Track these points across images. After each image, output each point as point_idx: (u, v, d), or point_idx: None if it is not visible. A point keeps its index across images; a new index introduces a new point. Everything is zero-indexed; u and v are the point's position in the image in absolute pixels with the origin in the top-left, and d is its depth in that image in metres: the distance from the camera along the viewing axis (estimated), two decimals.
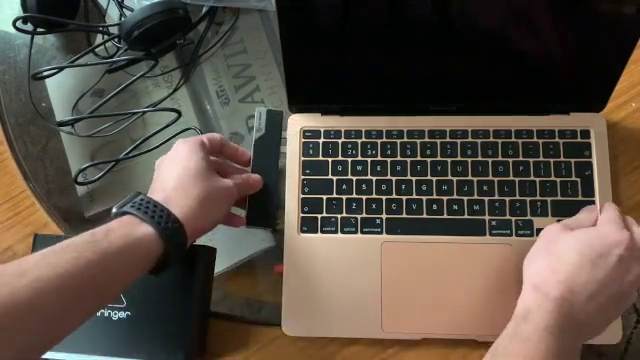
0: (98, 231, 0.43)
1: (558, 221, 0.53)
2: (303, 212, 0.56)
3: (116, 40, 0.60)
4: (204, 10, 0.63)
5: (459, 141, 0.56)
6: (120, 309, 0.51)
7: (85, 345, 0.51)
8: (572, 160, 0.55)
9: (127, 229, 0.43)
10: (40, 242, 0.54)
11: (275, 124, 0.57)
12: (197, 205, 0.47)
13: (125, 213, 0.45)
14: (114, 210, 0.46)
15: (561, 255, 0.45)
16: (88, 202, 0.61)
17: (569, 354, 0.42)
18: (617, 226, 0.46)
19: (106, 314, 0.51)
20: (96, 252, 0.41)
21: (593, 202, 0.54)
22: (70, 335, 0.50)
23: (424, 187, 0.55)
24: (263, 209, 0.56)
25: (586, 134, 0.56)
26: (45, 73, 0.60)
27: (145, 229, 0.44)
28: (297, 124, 0.58)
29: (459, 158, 0.56)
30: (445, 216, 0.55)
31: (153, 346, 0.50)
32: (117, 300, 0.51)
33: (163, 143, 0.60)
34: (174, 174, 0.48)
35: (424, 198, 0.55)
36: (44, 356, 0.50)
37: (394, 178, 0.56)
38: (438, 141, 0.56)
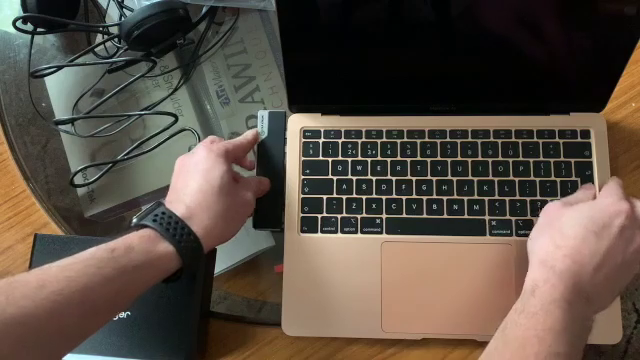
0: (119, 246, 0.42)
1: None
2: (303, 212, 0.56)
3: (116, 40, 0.60)
4: (204, 10, 0.63)
5: (459, 141, 0.56)
6: None
7: (85, 345, 0.50)
8: (572, 160, 0.55)
9: (147, 245, 0.43)
10: (40, 242, 0.54)
11: (278, 125, 0.58)
12: (219, 222, 0.47)
13: (145, 226, 0.45)
14: (134, 220, 0.46)
15: (564, 229, 0.45)
16: (88, 202, 0.61)
17: (578, 326, 0.42)
18: (617, 197, 0.47)
19: None
20: (116, 268, 0.41)
21: None
22: None
23: (424, 187, 0.55)
24: (270, 211, 0.56)
25: (586, 134, 0.56)
26: (45, 72, 0.60)
27: (165, 247, 0.44)
28: (297, 124, 0.58)
29: (459, 158, 0.56)
30: (445, 216, 0.55)
31: (153, 346, 0.50)
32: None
33: (162, 143, 0.60)
34: (196, 187, 0.47)
35: (424, 198, 0.55)
36: None
37: (394, 178, 0.56)
38: (438, 141, 0.56)
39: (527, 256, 0.53)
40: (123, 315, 0.51)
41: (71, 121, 0.60)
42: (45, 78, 0.63)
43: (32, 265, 0.54)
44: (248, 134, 0.56)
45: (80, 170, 0.60)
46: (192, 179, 0.48)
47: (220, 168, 0.48)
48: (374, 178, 0.56)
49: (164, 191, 0.59)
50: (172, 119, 0.59)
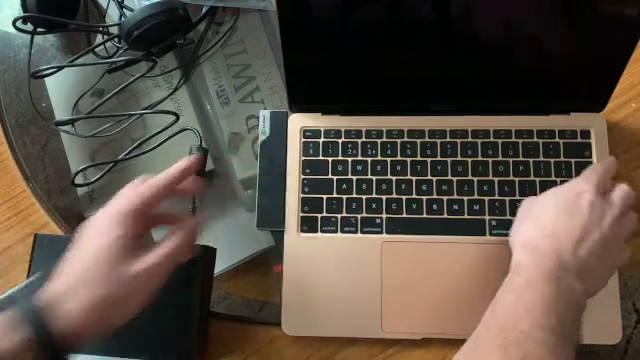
0: None
1: None
2: (303, 212, 0.56)
3: (116, 40, 0.60)
4: (204, 10, 0.63)
5: (459, 141, 0.56)
6: None
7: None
8: (572, 160, 0.55)
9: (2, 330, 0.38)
10: (40, 242, 0.54)
11: (279, 125, 0.58)
12: (97, 308, 0.40)
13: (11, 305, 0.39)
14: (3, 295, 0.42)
15: (540, 214, 0.47)
16: (88, 202, 0.61)
17: (569, 301, 0.42)
18: (580, 179, 0.48)
19: None
20: None
21: None
22: None
23: (424, 187, 0.55)
24: (272, 211, 0.56)
25: (586, 134, 0.56)
26: (45, 72, 0.60)
27: (21, 336, 0.37)
28: (297, 124, 0.58)
29: (459, 158, 0.56)
30: (445, 216, 0.55)
31: (153, 346, 0.50)
32: None
33: (162, 143, 0.60)
34: (80, 259, 0.41)
35: (424, 198, 0.55)
36: None
37: (394, 178, 0.56)
38: (438, 141, 0.56)
39: None
40: None
41: (71, 122, 0.60)
42: (45, 78, 0.63)
43: (32, 265, 0.54)
44: (182, 161, 0.48)
45: (81, 170, 0.60)
46: (82, 250, 0.42)
47: (111, 235, 0.41)
48: (374, 178, 0.56)
49: None
50: (173, 118, 0.59)
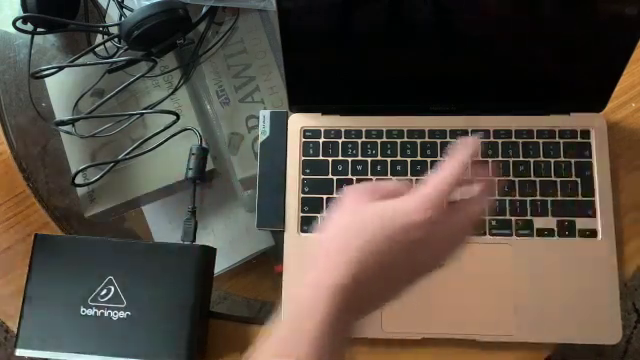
0: None
1: (558, 221, 0.54)
2: (303, 212, 0.56)
3: (116, 40, 0.60)
4: (204, 10, 0.63)
5: None
6: (120, 309, 0.51)
7: (85, 345, 0.51)
8: (572, 160, 0.55)
9: None
10: (40, 242, 0.54)
11: (279, 125, 0.58)
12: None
13: None
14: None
15: (360, 233, 0.38)
16: (88, 202, 0.61)
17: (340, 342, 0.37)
18: (425, 202, 0.38)
19: (106, 314, 0.51)
20: None
21: (593, 202, 0.54)
22: (70, 335, 0.51)
23: None
24: (272, 211, 0.56)
25: (586, 134, 0.56)
26: (45, 72, 0.60)
27: None
28: (297, 124, 0.58)
29: None
30: None
31: (153, 346, 0.50)
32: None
33: (162, 143, 0.60)
34: None
35: None
36: (45, 356, 0.51)
37: (394, 178, 0.56)
38: (438, 141, 0.56)
39: (527, 256, 0.53)
40: (123, 315, 0.51)
41: (72, 122, 0.60)
42: (45, 78, 0.63)
43: (32, 265, 0.54)
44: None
45: (81, 170, 0.60)
46: None
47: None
48: (374, 178, 0.56)
49: (164, 191, 0.60)
50: (173, 118, 0.59)
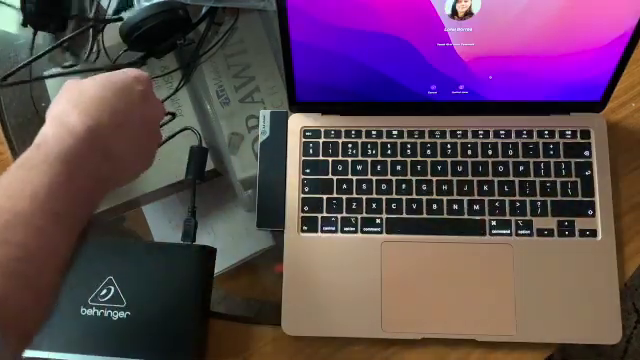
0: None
1: (558, 222, 0.54)
2: (303, 212, 0.56)
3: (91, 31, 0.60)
4: (204, 10, 0.63)
5: (459, 141, 0.56)
6: (120, 309, 0.51)
7: (85, 345, 0.51)
8: (572, 160, 0.55)
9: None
10: None
11: (280, 125, 0.58)
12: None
13: None
14: None
15: (83, 90, 0.44)
16: None
17: (89, 182, 0.41)
18: (138, 70, 0.48)
19: (106, 314, 0.51)
20: None
21: (593, 202, 0.54)
22: (70, 335, 0.50)
23: (424, 187, 0.55)
24: (272, 211, 0.56)
25: (586, 134, 0.56)
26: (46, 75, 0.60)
27: None
28: (297, 124, 0.58)
29: (459, 158, 0.56)
30: (445, 216, 0.55)
31: (153, 346, 0.50)
32: None
33: (162, 143, 0.60)
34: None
35: (424, 198, 0.55)
36: (44, 356, 0.51)
37: (394, 178, 0.56)
38: (438, 141, 0.56)
39: (527, 256, 0.53)
40: (123, 315, 0.51)
41: None
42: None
43: None
44: None
45: None
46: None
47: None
48: (374, 178, 0.56)
49: (164, 191, 0.60)
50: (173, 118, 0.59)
